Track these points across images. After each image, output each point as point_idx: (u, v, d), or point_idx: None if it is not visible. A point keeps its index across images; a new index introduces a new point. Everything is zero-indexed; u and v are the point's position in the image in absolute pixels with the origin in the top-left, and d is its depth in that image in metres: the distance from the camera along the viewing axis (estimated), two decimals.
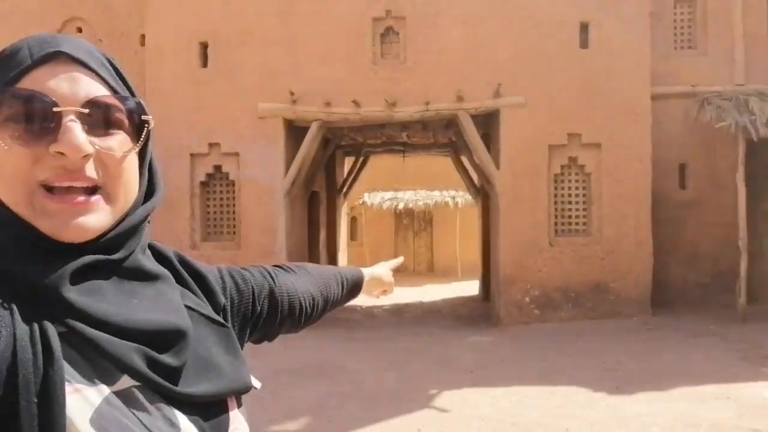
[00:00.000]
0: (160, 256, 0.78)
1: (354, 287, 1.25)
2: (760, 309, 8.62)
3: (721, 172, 9.59)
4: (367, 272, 1.32)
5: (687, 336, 7.52)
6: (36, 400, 0.55)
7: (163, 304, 0.69)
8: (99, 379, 0.60)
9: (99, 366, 0.61)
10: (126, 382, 0.62)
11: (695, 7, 10.11)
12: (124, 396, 0.61)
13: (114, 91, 0.66)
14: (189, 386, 0.67)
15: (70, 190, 0.61)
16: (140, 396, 0.62)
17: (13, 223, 0.61)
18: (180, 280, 0.78)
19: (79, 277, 0.62)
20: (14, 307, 0.58)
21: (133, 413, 0.60)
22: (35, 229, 0.61)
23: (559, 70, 9.12)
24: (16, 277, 0.60)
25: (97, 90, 0.64)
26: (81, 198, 0.62)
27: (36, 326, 0.57)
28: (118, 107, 0.65)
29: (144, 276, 0.70)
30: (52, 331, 0.58)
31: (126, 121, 0.66)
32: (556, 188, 9.43)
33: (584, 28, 9.26)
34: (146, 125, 0.68)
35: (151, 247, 0.78)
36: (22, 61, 0.62)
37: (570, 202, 9.48)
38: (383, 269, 1.39)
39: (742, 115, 8.47)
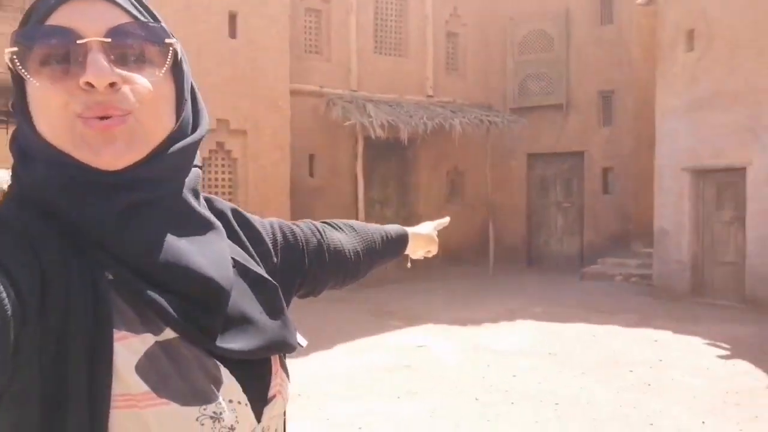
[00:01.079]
0: (214, 209, 0.78)
1: (399, 246, 1.23)
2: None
3: (342, 164, 11.28)
4: (411, 231, 1.28)
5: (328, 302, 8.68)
6: (86, 345, 0.56)
7: (210, 255, 0.68)
8: (144, 327, 0.61)
9: (144, 315, 0.62)
10: (170, 333, 0.62)
11: (321, 18, 11.58)
12: (168, 346, 0.62)
13: (136, 19, 0.65)
14: (228, 342, 0.67)
15: (104, 119, 0.62)
16: (184, 348, 0.63)
17: (57, 161, 0.62)
18: (232, 235, 0.79)
19: (123, 215, 0.62)
20: (68, 253, 0.59)
21: (176, 364, 0.62)
22: (77, 163, 0.62)
23: (209, 56, 9.22)
24: (63, 217, 0.61)
25: (120, 18, 0.64)
26: (112, 124, 0.62)
27: (88, 273, 0.59)
28: (140, 33, 0.65)
29: (193, 220, 0.70)
30: (103, 278, 0.60)
31: (152, 48, 0.66)
32: (204, 172, 9.52)
33: (233, 18, 9.58)
34: (171, 47, 0.67)
35: (207, 200, 0.78)
36: (48, 1, 0.63)
37: (217, 186, 9.72)
38: (428, 228, 1.36)
39: (363, 116, 10.21)
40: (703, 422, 4.19)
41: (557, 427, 4.18)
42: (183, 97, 0.70)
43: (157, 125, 0.66)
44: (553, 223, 14.04)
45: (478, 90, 14.00)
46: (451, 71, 14.18)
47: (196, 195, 0.72)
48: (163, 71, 0.66)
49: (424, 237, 1.32)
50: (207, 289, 0.66)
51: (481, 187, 13.09)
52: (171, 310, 0.62)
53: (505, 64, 14.34)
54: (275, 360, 0.74)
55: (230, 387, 0.65)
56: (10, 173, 0.67)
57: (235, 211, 0.83)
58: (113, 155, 0.62)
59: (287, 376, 0.78)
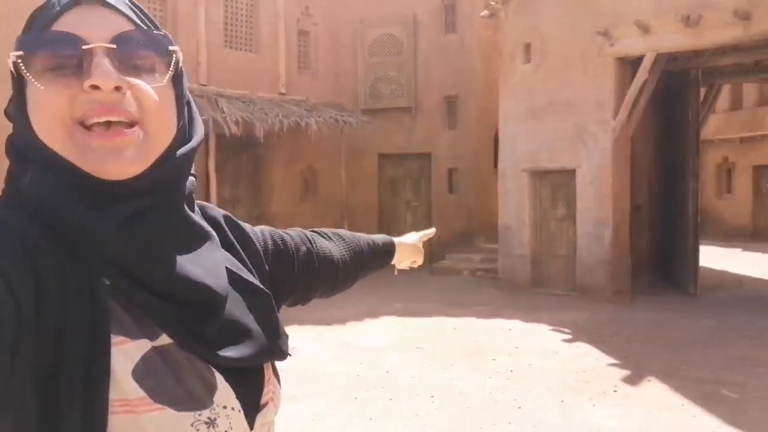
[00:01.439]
0: (207, 217, 0.79)
1: (386, 255, 1.24)
2: None
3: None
4: (397, 241, 1.29)
5: None
6: (83, 350, 0.56)
7: (205, 265, 0.69)
8: (141, 333, 0.62)
9: (141, 320, 0.62)
10: (166, 339, 0.63)
11: (167, 10, 10.86)
12: (164, 351, 0.62)
13: (138, 27, 0.66)
14: (224, 350, 0.68)
15: (108, 125, 0.61)
16: (179, 353, 0.63)
17: (57, 166, 0.61)
18: (225, 242, 0.79)
19: (125, 224, 0.62)
20: (65, 257, 0.59)
21: (171, 369, 0.62)
22: (78, 170, 0.61)
23: None
24: (63, 222, 0.61)
25: (123, 26, 0.64)
26: (118, 133, 0.61)
27: (86, 278, 0.59)
28: (145, 41, 0.65)
29: (190, 229, 0.70)
30: (100, 284, 0.60)
31: (156, 55, 0.66)
32: None
33: None
34: (174, 55, 0.67)
35: (201, 207, 0.78)
36: (51, 9, 0.64)
37: None
38: (413, 238, 1.37)
39: (215, 112, 9.73)
40: (562, 401, 4.61)
41: (437, 418, 4.33)
42: (182, 103, 0.70)
43: (162, 134, 0.66)
44: (403, 221, 14.57)
45: (329, 89, 14.08)
46: (303, 69, 14.10)
47: (192, 202, 0.73)
48: (166, 79, 0.66)
49: (410, 247, 1.33)
50: (203, 298, 0.67)
51: (335, 186, 13.19)
52: (168, 317, 0.63)
53: (356, 66, 14.58)
54: (268, 367, 0.75)
55: (224, 393, 0.66)
56: (6, 176, 0.66)
57: (227, 218, 0.83)
58: (120, 166, 0.61)
59: (279, 382, 0.79)
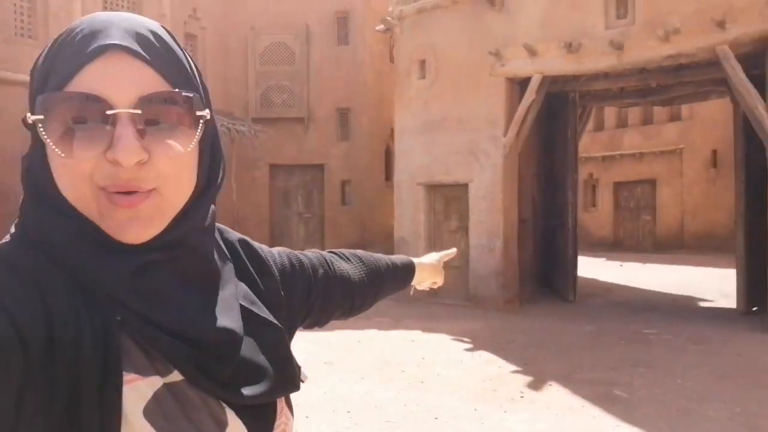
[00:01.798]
0: (224, 241, 0.79)
1: (405, 276, 1.21)
2: None
3: None
4: (417, 261, 1.25)
5: None
6: (95, 390, 0.56)
7: (221, 306, 0.69)
8: (152, 370, 0.61)
9: (152, 356, 0.61)
10: (178, 375, 0.62)
11: (36, 2, 9.94)
12: (175, 388, 0.62)
13: (170, 82, 0.62)
14: (237, 388, 0.68)
15: (129, 194, 0.60)
16: (190, 390, 0.63)
17: (76, 221, 0.61)
18: (241, 268, 0.79)
19: (139, 274, 0.62)
20: (76, 295, 0.59)
21: (182, 406, 0.61)
22: (97, 227, 0.61)
23: None
24: (78, 271, 0.61)
25: (152, 85, 0.61)
26: (137, 201, 0.60)
27: (98, 316, 0.59)
28: (173, 103, 0.62)
29: (206, 271, 0.70)
30: (112, 321, 0.59)
31: (184, 114, 0.63)
32: None
33: None
34: (201, 120, 0.64)
35: (219, 231, 0.78)
36: (76, 57, 0.60)
37: None
38: (434, 258, 1.33)
39: None
40: (476, 409, 4.72)
41: None
42: (206, 159, 0.68)
43: (180, 197, 0.65)
44: (295, 233, 14.34)
45: (218, 96, 13.59)
46: None
47: (212, 232, 0.72)
48: (191, 146, 0.63)
49: (429, 267, 1.30)
50: (218, 341, 0.66)
51: (225, 197, 12.68)
52: (180, 358, 0.62)
53: (246, 73, 14.19)
54: (280, 399, 0.75)
55: (235, 429, 0.65)
56: (20, 211, 0.65)
57: (243, 243, 0.83)
58: (138, 231, 0.61)
59: (291, 413, 0.78)
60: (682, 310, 9.20)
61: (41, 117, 0.59)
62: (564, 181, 10.85)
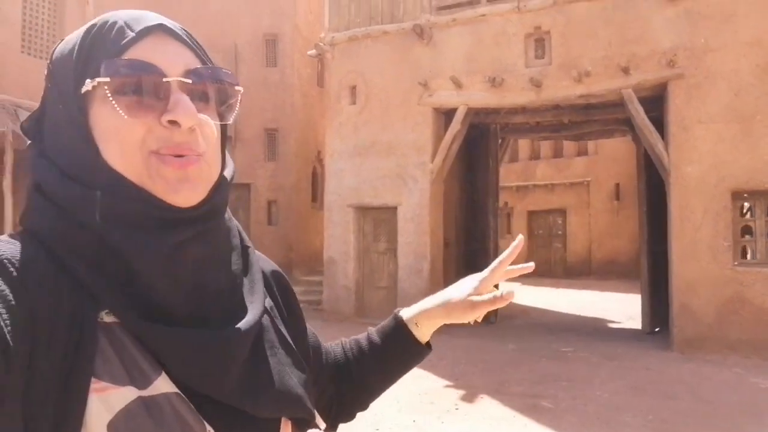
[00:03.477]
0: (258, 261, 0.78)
1: (391, 340, 0.95)
2: None
3: None
4: (417, 309, 0.96)
5: None
6: (57, 394, 0.53)
7: (247, 288, 0.70)
8: (128, 379, 0.57)
9: (132, 365, 0.58)
10: (158, 388, 0.58)
11: None
12: (151, 403, 0.57)
13: (204, 63, 0.67)
14: (249, 396, 0.65)
15: (179, 157, 0.63)
16: (168, 406, 0.58)
17: (125, 189, 0.61)
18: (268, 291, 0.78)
19: (180, 246, 0.63)
20: (63, 294, 0.57)
21: (156, 423, 0.57)
22: (146, 194, 0.61)
23: None
24: (106, 253, 0.60)
25: (195, 61, 0.66)
26: (188, 163, 0.63)
27: (78, 316, 0.56)
28: (215, 77, 0.66)
29: (233, 257, 0.70)
30: (91, 323, 0.57)
31: (223, 92, 0.67)
32: None
33: None
34: (239, 94, 0.69)
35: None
36: (125, 35, 0.62)
37: None
38: (462, 293, 0.93)
39: (15, 123, 8.51)
40: (414, 420, 4.87)
41: None
42: (226, 136, 0.73)
43: (217, 166, 0.68)
44: None
45: None
46: None
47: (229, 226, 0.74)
48: (232, 117, 0.68)
49: (439, 314, 0.93)
50: (234, 323, 0.65)
51: None
52: (185, 354, 0.59)
53: None
54: (286, 425, 0.69)
55: None
56: (27, 203, 0.64)
57: (277, 274, 0.82)
58: (187, 193, 0.62)
59: None
60: (594, 330, 9.83)
61: (108, 79, 0.60)
62: (485, 207, 11.38)
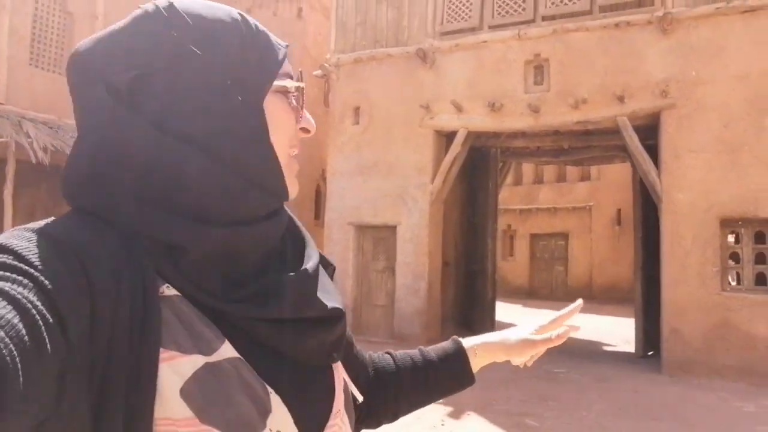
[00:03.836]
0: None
1: (449, 369, 0.97)
2: None
3: None
4: (480, 340, 1.00)
5: None
6: (129, 365, 0.54)
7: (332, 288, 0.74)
8: (194, 347, 0.58)
9: (196, 333, 0.59)
10: (222, 354, 0.60)
11: None
12: (217, 368, 0.59)
13: None
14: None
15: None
16: (233, 370, 0.60)
17: (281, 181, 0.68)
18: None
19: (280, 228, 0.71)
20: (122, 268, 0.57)
21: (223, 388, 0.58)
22: (278, 190, 0.68)
23: None
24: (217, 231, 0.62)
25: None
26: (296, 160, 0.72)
27: (140, 288, 0.57)
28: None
29: (298, 236, 0.76)
30: (155, 294, 0.58)
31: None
32: None
33: None
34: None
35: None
36: (278, 45, 0.71)
37: None
38: (521, 334, 1.00)
39: (19, 134, 8.81)
40: None
41: None
42: None
43: None
44: None
45: None
46: None
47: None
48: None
49: (500, 350, 0.99)
50: (334, 319, 0.70)
51: None
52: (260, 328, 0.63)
53: None
54: (338, 397, 0.71)
55: (279, 417, 0.61)
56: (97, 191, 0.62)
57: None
58: (295, 188, 0.71)
59: (351, 420, 0.73)
60: (588, 353, 9.93)
61: (302, 85, 0.71)
62: (485, 229, 11.56)
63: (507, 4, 9.61)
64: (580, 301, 1.01)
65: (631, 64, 8.56)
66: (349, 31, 10.93)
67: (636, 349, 9.53)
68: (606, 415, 5.88)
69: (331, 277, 0.79)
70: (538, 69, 9.30)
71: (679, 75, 8.23)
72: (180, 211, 0.60)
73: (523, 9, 9.43)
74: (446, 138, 10.20)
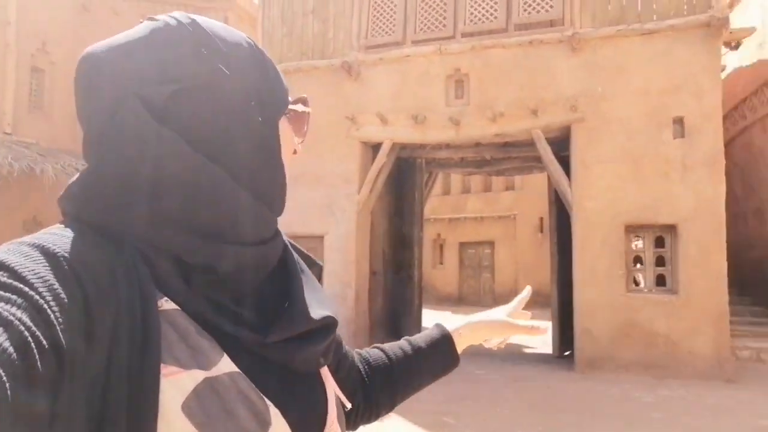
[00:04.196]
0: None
1: (439, 361, 1.01)
2: None
3: None
4: (463, 325, 1.03)
5: None
6: (129, 382, 0.54)
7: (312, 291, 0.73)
8: (194, 362, 0.58)
9: (195, 347, 0.59)
10: (222, 368, 0.60)
11: None
12: (216, 383, 0.59)
13: None
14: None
15: None
16: (232, 385, 0.60)
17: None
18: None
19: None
20: (120, 283, 0.56)
21: (223, 402, 0.59)
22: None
23: None
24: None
25: None
26: None
27: (138, 304, 0.56)
28: None
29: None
30: (153, 309, 0.57)
31: None
32: None
33: None
34: None
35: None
36: (284, 81, 0.74)
37: None
38: (499, 315, 1.05)
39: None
40: None
41: None
42: None
43: None
44: None
45: (66, 134, 13.02)
46: (34, 110, 12.92)
47: None
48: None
49: (489, 326, 1.04)
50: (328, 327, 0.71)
51: None
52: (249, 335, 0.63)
53: None
54: (331, 409, 0.72)
55: (279, 429, 0.62)
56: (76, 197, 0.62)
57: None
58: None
59: (342, 429, 0.74)
60: (509, 355, 10.35)
61: (309, 110, 0.75)
62: (411, 238, 11.86)
63: (429, 21, 9.99)
64: (528, 288, 1.11)
65: (545, 80, 9.09)
66: (276, 43, 11.01)
67: (553, 350, 10.03)
68: (519, 411, 6.21)
69: (319, 276, 0.80)
70: (459, 83, 9.71)
71: (587, 91, 8.82)
72: (200, 228, 0.61)
73: (444, 25, 9.83)
74: (372, 149, 10.44)
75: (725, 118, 14.14)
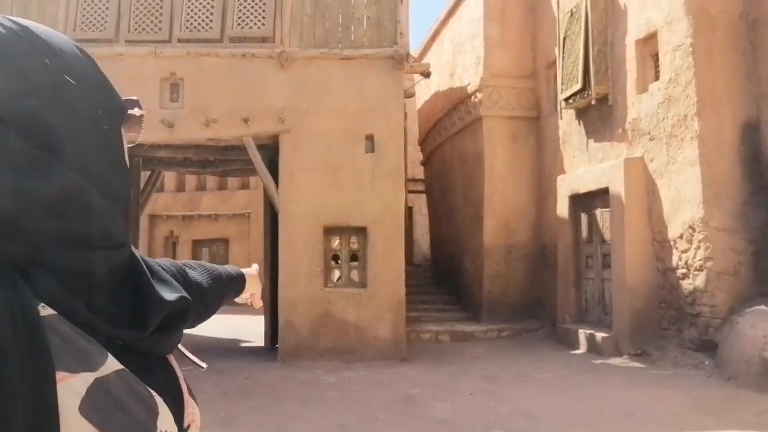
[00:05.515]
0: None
1: (239, 287, 1.22)
2: None
3: None
4: (245, 271, 1.25)
5: None
6: (29, 394, 0.53)
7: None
8: (81, 366, 0.58)
9: (79, 351, 0.59)
10: (109, 366, 0.61)
11: None
12: (106, 382, 0.60)
13: None
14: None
15: None
16: (120, 381, 0.61)
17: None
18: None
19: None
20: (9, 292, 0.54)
21: (115, 399, 0.60)
22: None
23: None
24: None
25: None
26: None
27: (19, 310, 0.54)
28: None
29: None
30: (37, 317, 0.56)
31: None
32: None
33: None
34: None
35: None
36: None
37: None
38: (253, 270, 1.29)
39: None
40: None
41: None
42: None
43: None
44: None
45: None
46: None
47: None
48: None
49: (251, 279, 1.26)
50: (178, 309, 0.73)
51: None
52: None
53: None
54: (183, 385, 0.75)
55: (165, 417, 0.65)
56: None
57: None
58: None
59: (196, 402, 0.78)
60: (225, 350, 10.81)
61: (143, 113, 0.80)
62: (129, 236, 11.52)
63: (143, 22, 9.89)
64: (255, 266, 1.34)
65: (256, 92, 9.74)
66: None
67: (264, 342, 10.79)
68: (213, 399, 6.71)
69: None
70: (174, 87, 9.81)
71: (294, 104, 9.71)
72: (74, 238, 0.61)
73: (159, 29, 9.84)
74: None
75: (428, 133, 16.71)
